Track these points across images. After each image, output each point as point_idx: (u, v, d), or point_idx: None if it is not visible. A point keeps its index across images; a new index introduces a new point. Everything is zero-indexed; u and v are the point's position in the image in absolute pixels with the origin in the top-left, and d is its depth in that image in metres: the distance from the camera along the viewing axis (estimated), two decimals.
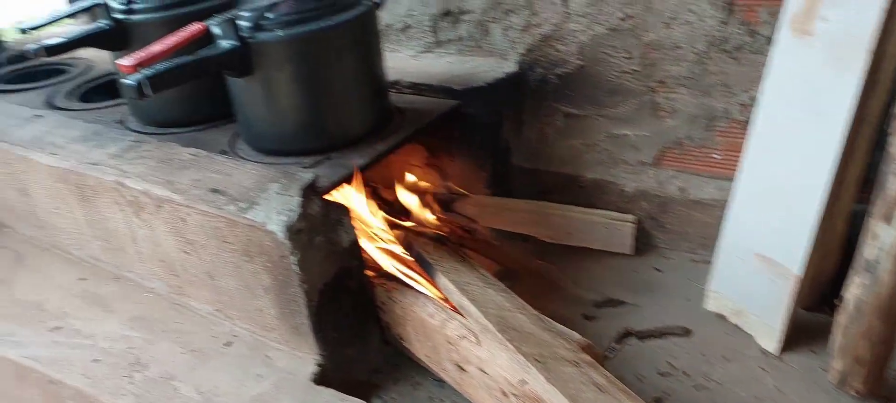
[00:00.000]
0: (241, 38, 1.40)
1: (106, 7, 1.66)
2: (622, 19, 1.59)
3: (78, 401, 1.36)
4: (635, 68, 1.61)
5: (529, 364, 1.09)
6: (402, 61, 1.93)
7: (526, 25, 1.73)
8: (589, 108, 1.72)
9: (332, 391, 1.27)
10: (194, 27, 1.42)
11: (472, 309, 1.23)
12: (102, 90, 2.04)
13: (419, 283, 1.45)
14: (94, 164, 1.52)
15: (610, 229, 1.67)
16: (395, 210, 1.69)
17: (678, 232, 1.70)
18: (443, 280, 1.33)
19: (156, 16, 1.64)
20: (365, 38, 1.52)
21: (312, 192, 1.30)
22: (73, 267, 1.72)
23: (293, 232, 1.22)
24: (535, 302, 1.57)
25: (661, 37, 1.55)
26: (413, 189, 1.77)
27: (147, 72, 1.28)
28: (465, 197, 1.76)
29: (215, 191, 1.35)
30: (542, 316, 1.27)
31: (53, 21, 1.80)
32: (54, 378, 1.37)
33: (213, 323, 1.47)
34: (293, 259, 1.23)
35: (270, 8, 1.45)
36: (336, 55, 1.46)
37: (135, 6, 1.66)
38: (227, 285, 1.40)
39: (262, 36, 1.40)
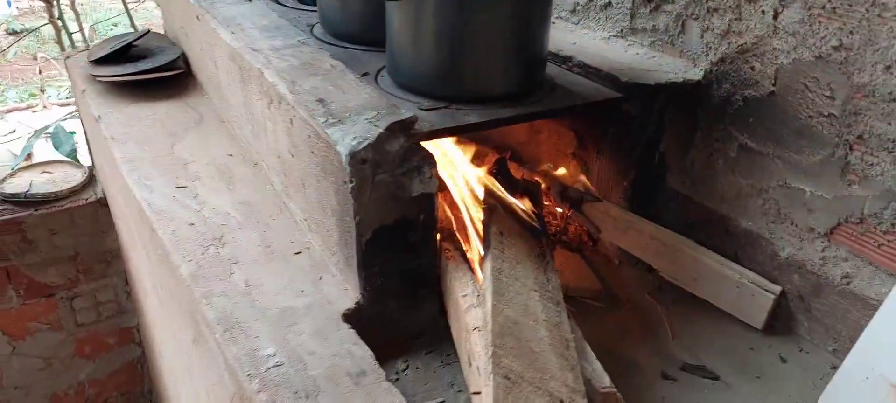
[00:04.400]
0: None
1: None
2: (835, 48, 1.27)
3: (161, 252, 1.47)
4: (833, 112, 1.29)
5: (490, 378, 0.93)
6: (588, 41, 1.76)
7: (726, 31, 1.47)
8: (769, 146, 1.42)
9: (352, 332, 1.22)
10: None
11: (488, 303, 1.08)
12: None
13: (474, 261, 1.32)
14: (254, 50, 1.61)
15: (744, 292, 1.37)
16: (515, 186, 1.57)
17: (826, 324, 1.35)
18: (487, 264, 1.20)
19: None
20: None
21: (400, 131, 1.23)
22: (228, 143, 1.86)
23: (357, 159, 1.18)
24: (619, 340, 1.37)
25: (875, 81, 1.22)
26: (545, 174, 1.62)
27: None
28: (597, 201, 1.57)
29: (320, 101, 1.34)
30: (583, 345, 1.08)
31: None
32: (154, 226, 1.49)
33: (298, 230, 1.50)
34: (349, 186, 1.19)
35: None
36: (485, 4, 1.37)
37: None
38: (311, 196, 1.41)
39: None
